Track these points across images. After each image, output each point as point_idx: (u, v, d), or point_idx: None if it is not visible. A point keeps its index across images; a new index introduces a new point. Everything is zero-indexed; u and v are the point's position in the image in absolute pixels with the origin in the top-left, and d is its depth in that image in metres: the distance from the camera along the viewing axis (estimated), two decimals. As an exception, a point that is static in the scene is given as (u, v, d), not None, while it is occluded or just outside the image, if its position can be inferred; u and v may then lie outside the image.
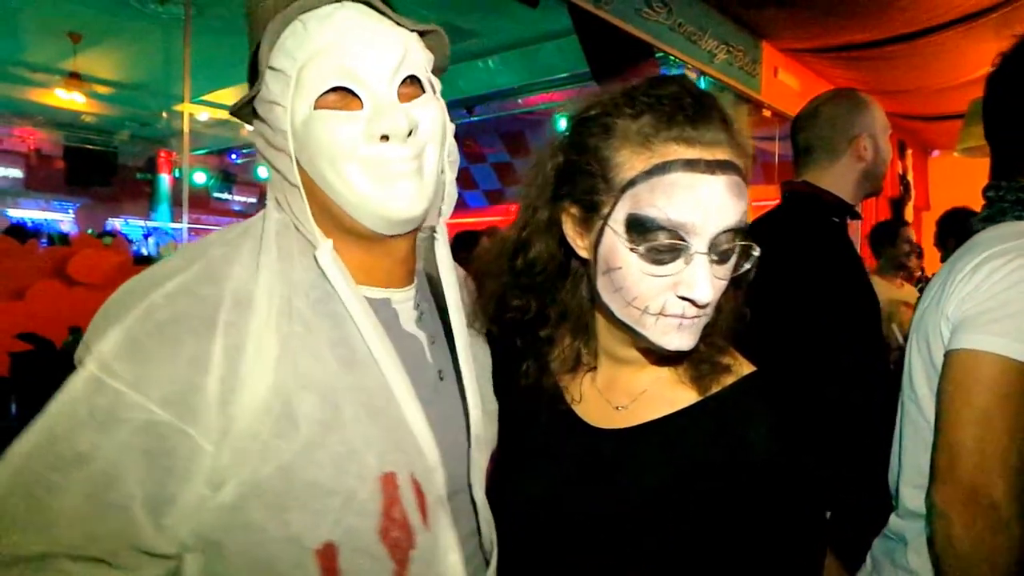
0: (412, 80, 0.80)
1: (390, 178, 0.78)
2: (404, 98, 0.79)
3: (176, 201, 10.88)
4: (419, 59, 0.82)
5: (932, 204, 8.34)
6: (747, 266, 0.85)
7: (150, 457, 0.68)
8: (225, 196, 12.37)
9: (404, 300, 0.90)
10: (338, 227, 0.82)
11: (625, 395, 0.94)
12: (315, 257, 0.80)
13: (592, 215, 0.85)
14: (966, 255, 1.19)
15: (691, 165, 0.78)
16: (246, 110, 0.85)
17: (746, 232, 0.82)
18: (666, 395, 0.91)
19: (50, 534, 0.67)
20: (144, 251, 9.92)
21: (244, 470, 0.70)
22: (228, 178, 11.95)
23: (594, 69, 4.54)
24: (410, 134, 0.77)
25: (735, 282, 0.89)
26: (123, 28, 6.32)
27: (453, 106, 8.00)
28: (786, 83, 5.69)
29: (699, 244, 0.78)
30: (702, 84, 5.71)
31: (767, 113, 5.68)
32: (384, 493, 0.75)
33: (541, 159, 0.93)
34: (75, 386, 0.70)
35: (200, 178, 11.31)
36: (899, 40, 5.07)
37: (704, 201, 0.77)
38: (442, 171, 0.87)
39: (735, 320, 0.93)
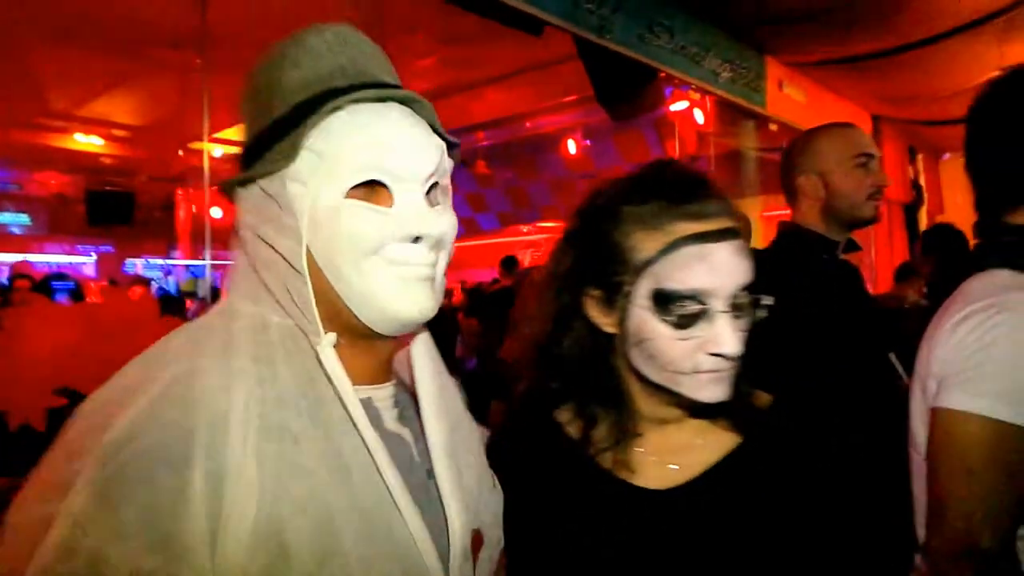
0: (437, 188, 0.82)
1: (410, 280, 0.77)
2: (429, 203, 0.80)
3: (195, 238, 11.02)
4: (447, 169, 0.83)
5: (946, 207, 8.30)
6: (761, 315, 0.93)
7: None
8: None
9: (384, 398, 0.84)
10: (332, 323, 0.77)
11: (678, 453, 0.99)
12: (316, 355, 0.75)
13: (615, 295, 0.93)
14: (953, 306, 1.21)
15: (701, 238, 0.88)
16: (236, 183, 0.81)
17: (754, 286, 0.91)
18: (714, 444, 0.98)
19: None
20: (164, 288, 10.08)
21: None
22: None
23: (599, 94, 4.60)
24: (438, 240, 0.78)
25: None
26: (137, 74, 6.49)
27: (464, 131, 8.10)
28: (792, 96, 5.73)
29: (719, 304, 0.87)
30: (706, 103, 5.77)
31: (773, 127, 5.72)
32: None
33: (556, 255, 1.01)
34: (46, 555, 0.60)
35: (217, 213, 11.47)
36: (903, 49, 5.10)
37: (717, 266, 0.87)
38: None
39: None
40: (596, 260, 0.95)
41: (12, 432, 2.21)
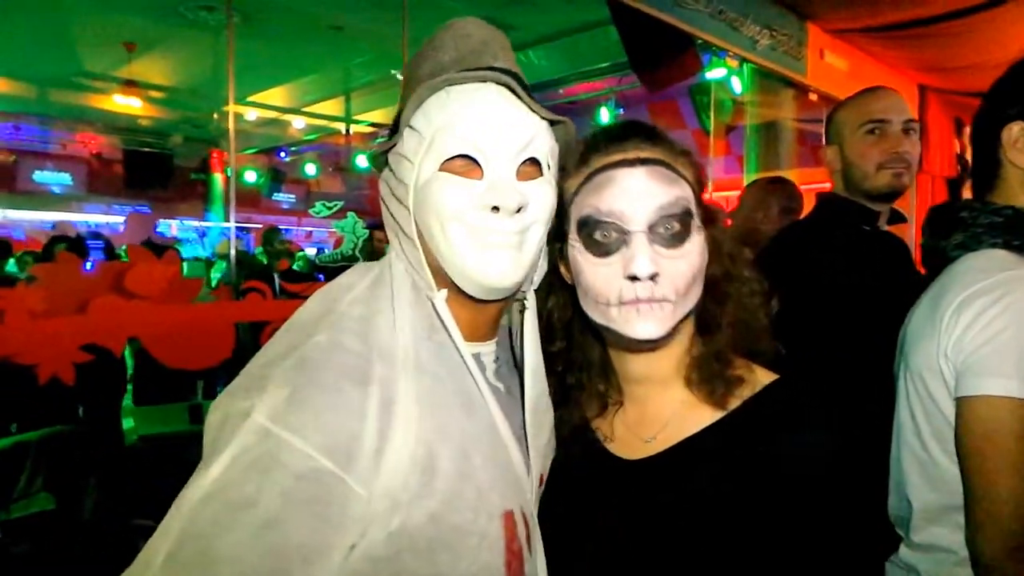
0: (533, 161, 0.87)
1: (489, 247, 0.83)
2: (523, 176, 0.85)
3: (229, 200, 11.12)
4: (543, 144, 0.89)
5: (992, 183, 8.00)
6: (691, 246, 0.90)
7: (308, 502, 0.70)
8: (278, 196, 12.67)
9: (487, 353, 0.95)
10: (442, 282, 0.87)
11: (654, 425, 0.98)
12: (433, 308, 0.86)
13: (564, 244, 0.97)
14: (949, 290, 1.16)
15: (612, 166, 0.91)
16: (381, 159, 0.92)
17: (689, 214, 0.90)
18: (689, 418, 0.95)
19: (212, 571, 0.67)
20: (201, 251, 10.24)
21: (395, 519, 0.74)
22: (277, 176, 12.19)
23: (633, 60, 4.51)
24: (519, 210, 0.84)
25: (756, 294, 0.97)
26: (174, 36, 6.53)
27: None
28: (833, 65, 5.54)
29: (636, 226, 0.88)
30: (744, 71, 5.62)
31: (813, 97, 5.55)
32: (506, 529, 0.82)
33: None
34: (246, 436, 0.71)
35: (251, 176, 11.61)
36: (951, 16, 4.88)
37: (629, 189, 0.89)
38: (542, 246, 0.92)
39: (752, 334, 0.98)
40: (557, 217, 0.96)
41: (42, 386, 2.28)
